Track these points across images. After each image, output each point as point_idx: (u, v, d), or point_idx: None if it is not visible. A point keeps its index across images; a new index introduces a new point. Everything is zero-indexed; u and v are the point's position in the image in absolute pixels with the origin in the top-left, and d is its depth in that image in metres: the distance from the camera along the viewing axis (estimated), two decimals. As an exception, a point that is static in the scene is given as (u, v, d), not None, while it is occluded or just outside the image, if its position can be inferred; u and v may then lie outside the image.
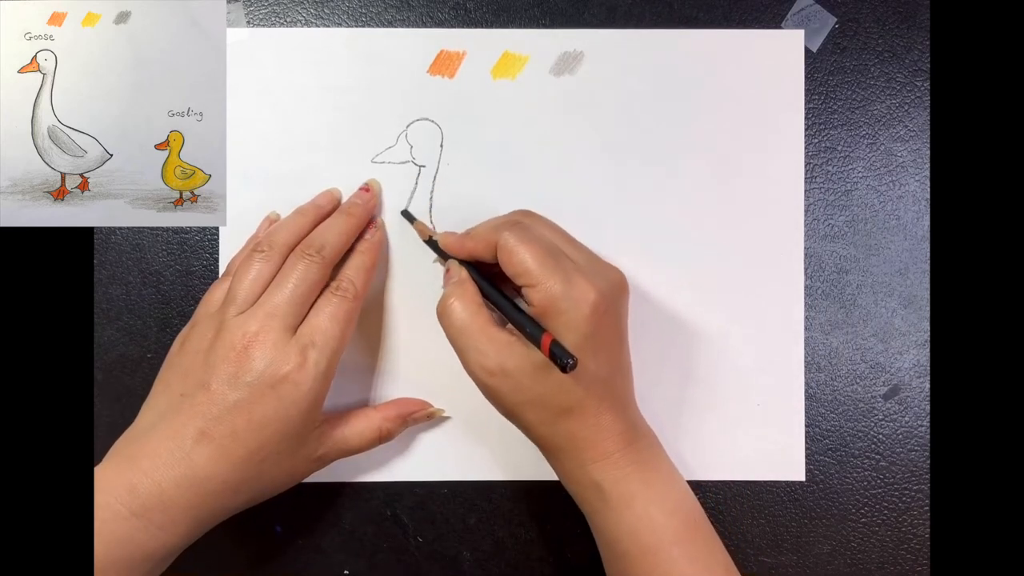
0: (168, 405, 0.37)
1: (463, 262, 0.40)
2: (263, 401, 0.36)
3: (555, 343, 0.34)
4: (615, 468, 0.36)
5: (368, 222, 0.42)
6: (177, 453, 0.35)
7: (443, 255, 0.41)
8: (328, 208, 0.42)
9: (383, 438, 0.41)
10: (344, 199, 0.43)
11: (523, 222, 0.38)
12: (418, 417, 0.43)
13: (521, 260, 0.36)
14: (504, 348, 0.36)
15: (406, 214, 0.43)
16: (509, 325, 0.37)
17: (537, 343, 0.34)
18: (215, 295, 0.40)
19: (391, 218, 0.44)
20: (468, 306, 0.37)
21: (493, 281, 0.39)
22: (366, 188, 0.43)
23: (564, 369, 0.33)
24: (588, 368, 0.35)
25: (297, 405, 0.36)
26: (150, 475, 0.35)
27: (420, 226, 0.43)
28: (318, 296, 0.39)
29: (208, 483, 0.35)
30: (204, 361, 0.37)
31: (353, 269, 0.40)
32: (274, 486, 0.38)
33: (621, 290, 0.38)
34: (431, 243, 0.42)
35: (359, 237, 0.42)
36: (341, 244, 0.40)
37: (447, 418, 0.44)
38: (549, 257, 0.36)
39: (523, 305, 0.37)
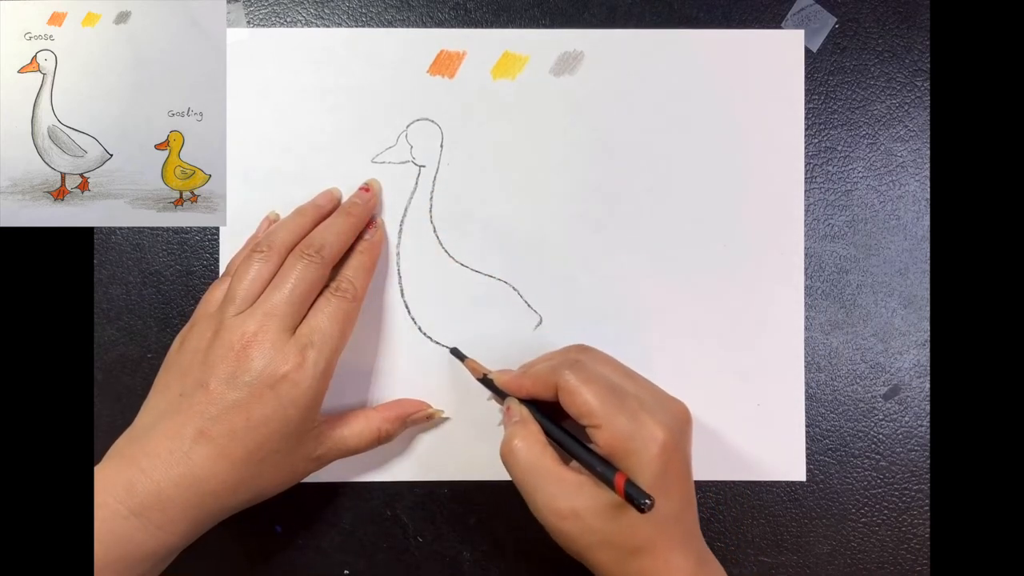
0: (167, 405, 0.37)
1: (523, 400, 0.39)
2: (262, 401, 0.36)
3: (630, 483, 0.33)
4: None
5: (368, 222, 0.42)
6: (176, 453, 0.35)
7: (499, 393, 0.40)
8: (328, 208, 0.42)
9: (382, 439, 0.41)
10: (344, 199, 0.43)
11: (581, 360, 0.37)
12: (417, 418, 0.42)
13: (584, 401, 0.35)
14: (573, 489, 0.35)
15: (456, 352, 0.42)
16: (575, 464, 0.36)
17: (610, 484, 0.34)
18: (215, 295, 0.40)
19: (390, 217, 0.44)
20: (534, 447, 0.36)
21: (554, 419, 0.38)
22: (366, 188, 0.43)
23: (641, 509, 0.32)
24: (659, 507, 0.34)
25: (296, 404, 0.36)
26: (149, 474, 0.35)
27: (472, 364, 0.42)
28: (318, 296, 0.39)
29: (207, 483, 0.35)
30: (203, 361, 0.37)
31: (353, 269, 0.40)
32: (273, 486, 0.38)
33: (686, 424, 0.37)
34: (486, 382, 0.41)
35: (359, 237, 0.42)
36: (341, 244, 0.40)
37: (447, 418, 0.44)
38: (613, 396, 0.35)
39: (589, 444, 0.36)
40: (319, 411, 0.38)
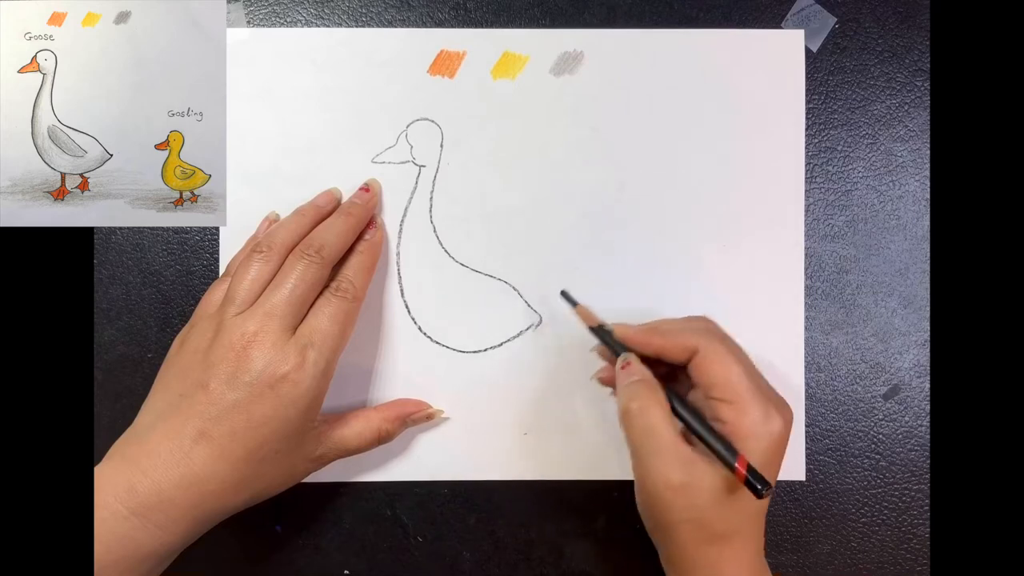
0: (167, 405, 0.37)
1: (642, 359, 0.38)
2: (262, 401, 0.36)
3: (751, 467, 0.33)
4: None
5: (368, 222, 0.42)
6: (176, 453, 0.35)
7: (612, 347, 0.39)
8: (328, 208, 0.42)
9: (382, 439, 0.41)
10: (344, 199, 0.43)
11: (722, 334, 0.37)
12: (417, 418, 0.42)
13: (729, 373, 0.35)
14: (690, 464, 0.35)
15: (565, 295, 0.41)
16: (686, 434, 0.36)
17: (728, 464, 0.34)
18: (215, 295, 0.40)
19: (390, 217, 0.44)
20: (657, 412, 0.36)
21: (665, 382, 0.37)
22: (366, 188, 0.43)
23: (759, 495, 0.33)
24: (753, 499, 0.34)
25: (296, 405, 0.36)
26: (149, 475, 0.35)
27: (584, 311, 0.40)
28: (318, 296, 0.39)
29: (207, 483, 0.35)
30: (203, 361, 0.37)
31: (353, 269, 0.40)
32: (273, 486, 0.38)
33: (791, 426, 0.37)
34: (599, 331, 0.39)
35: (359, 237, 0.42)
36: (341, 244, 0.40)
37: (447, 418, 0.44)
38: (752, 379, 0.36)
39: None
40: (319, 411, 0.38)
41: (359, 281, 0.40)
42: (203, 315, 0.39)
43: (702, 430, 0.35)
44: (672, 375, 0.39)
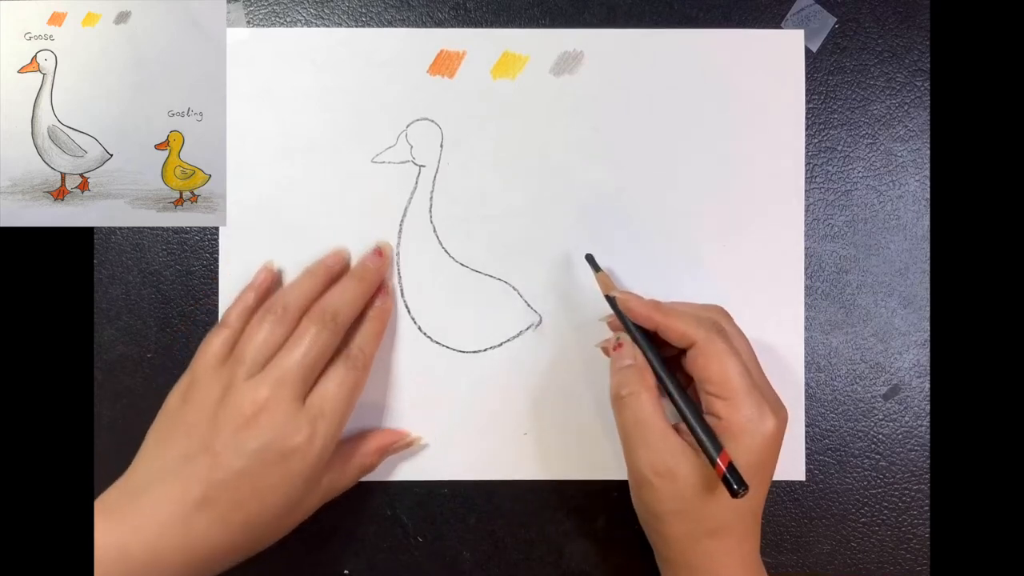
0: (167, 465, 0.36)
1: (638, 339, 0.38)
2: (270, 471, 0.35)
3: (731, 467, 0.34)
4: None
5: (379, 287, 0.42)
6: (176, 517, 0.34)
7: (623, 321, 0.39)
8: (337, 269, 0.42)
9: (365, 471, 0.42)
10: (347, 201, 0.43)
11: (725, 327, 0.37)
12: (398, 447, 0.43)
13: (725, 371, 0.35)
14: (678, 453, 0.35)
15: (590, 259, 0.42)
16: (682, 425, 0.36)
17: (711, 458, 0.34)
18: (213, 346, 0.39)
19: (390, 217, 0.44)
20: (648, 400, 0.36)
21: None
22: (379, 252, 0.42)
23: (734, 494, 0.33)
24: (749, 496, 0.34)
25: (303, 475, 0.36)
26: (146, 539, 0.34)
27: (603, 278, 0.41)
28: (328, 362, 0.38)
29: (204, 549, 0.35)
30: (209, 422, 0.36)
31: (363, 337, 0.40)
32: (266, 545, 0.38)
33: (785, 426, 0.37)
34: (612, 301, 0.39)
35: (369, 302, 0.41)
36: (353, 310, 0.40)
37: (445, 421, 0.44)
38: (748, 376, 0.36)
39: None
40: (322, 475, 0.38)
41: (369, 349, 0.40)
42: (205, 369, 0.38)
43: (693, 420, 0.35)
44: (681, 357, 0.38)
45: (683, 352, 0.38)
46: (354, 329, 0.41)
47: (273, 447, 0.35)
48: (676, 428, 0.37)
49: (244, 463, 0.35)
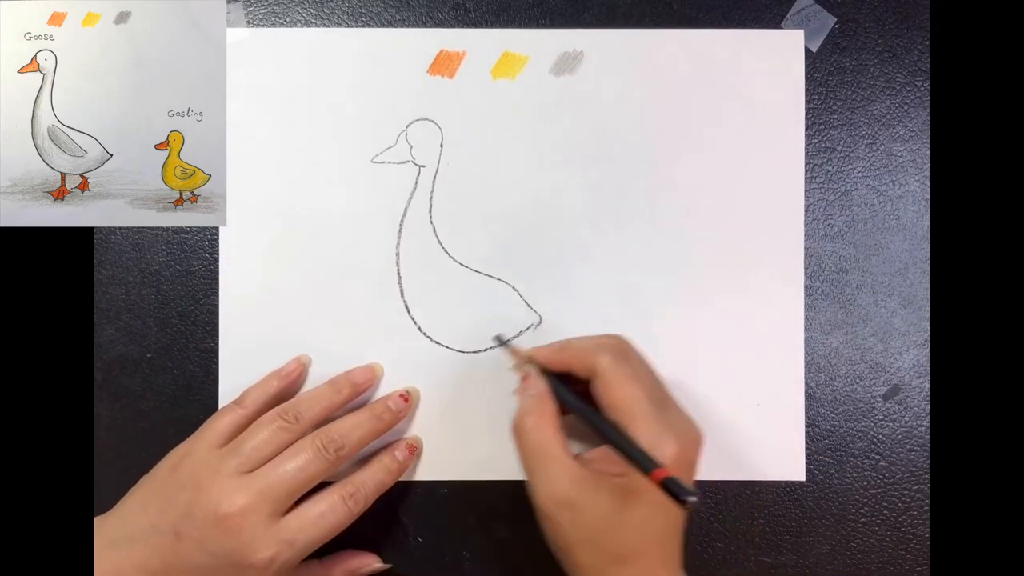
0: (137, 530, 0.37)
1: (546, 374, 0.38)
2: (223, 573, 0.36)
3: (672, 479, 0.32)
4: None
5: (410, 447, 0.42)
6: None
7: (522, 359, 0.39)
8: (365, 386, 0.42)
9: None
10: (352, 203, 0.43)
11: (626, 352, 0.37)
12: (363, 573, 0.42)
13: (623, 396, 0.35)
14: (577, 481, 0.35)
15: (499, 340, 0.42)
16: (581, 455, 0.36)
17: (646, 474, 0.33)
18: (220, 424, 0.39)
19: (390, 217, 0.44)
20: (546, 428, 0.36)
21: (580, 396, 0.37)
22: (404, 397, 0.42)
23: (683, 503, 0.31)
24: (655, 519, 0.34)
25: None
26: None
27: (515, 352, 0.41)
28: (319, 485, 0.38)
29: None
30: (186, 506, 0.36)
31: (369, 481, 0.40)
32: None
33: (697, 448, 0.37)
34: (504, 344, 0.41)
35: (390, 451, 0.41)
36: (360, 447, 0.40)
37: (445, 421, 0.44)
38: (648, 400, 0.35)
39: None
40: None
41: (370, 494, 0.39)
42: (203, 446, 0.38)
43: (617, 439, 0.35)
44: (589, 387, 0.38)
45: (589, 383, 0.37)
46: (364, 462, 0.41)
47: (232, 556, 0.36)
48: (579, 458, 0.36)
49: (201, 559, 0.36)
